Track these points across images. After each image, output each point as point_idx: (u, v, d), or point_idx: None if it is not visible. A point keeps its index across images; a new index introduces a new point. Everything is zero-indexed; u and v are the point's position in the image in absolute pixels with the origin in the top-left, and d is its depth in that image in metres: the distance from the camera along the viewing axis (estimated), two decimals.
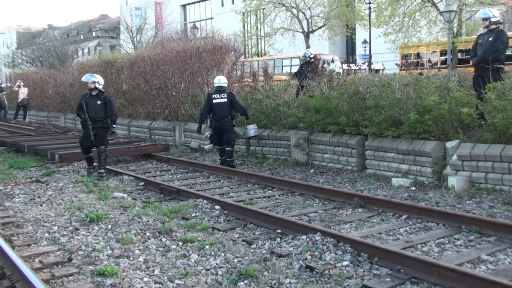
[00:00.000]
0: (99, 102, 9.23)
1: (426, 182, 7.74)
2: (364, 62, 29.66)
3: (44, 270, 4.68)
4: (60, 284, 4.40)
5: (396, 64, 24.42)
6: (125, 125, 16.27)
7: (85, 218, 6.39)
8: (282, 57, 29.91)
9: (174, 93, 14.45)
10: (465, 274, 4.02)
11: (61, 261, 4.88)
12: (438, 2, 23.23)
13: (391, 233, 5.61)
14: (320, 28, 31.00)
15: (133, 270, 4.67)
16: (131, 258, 5.02)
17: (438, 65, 23.13)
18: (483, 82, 7.93)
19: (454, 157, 7.48)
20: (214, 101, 10.00)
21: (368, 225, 5.98)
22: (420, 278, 4.22)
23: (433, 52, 25.75)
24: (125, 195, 7.82)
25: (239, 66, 15.45)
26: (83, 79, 9.60)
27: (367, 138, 8.88)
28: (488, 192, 6.94)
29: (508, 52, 19.64)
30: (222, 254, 5.04)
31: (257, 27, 36.69)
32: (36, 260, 4.93)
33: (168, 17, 48.41)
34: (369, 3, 29.57)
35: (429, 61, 25.33)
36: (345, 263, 4.61)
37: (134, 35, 42.28)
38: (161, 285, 4.36)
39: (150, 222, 6.22)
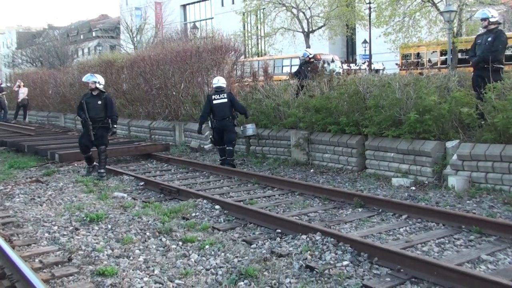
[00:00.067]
0: (99, 102, 9.22)
1: (426, 182, 7.74)
2: (364, 62, 29.67)
3: (44, 270, 4.68)
4: (60, 284, 4.40)
5: (396, 64, 24.42)
6: (125, 125, 16.27)
7: (85, 218, 6.39)
8: (282, 57, 29.90)
9: (174, 93, 14.45)
10: (465, 274, 4.02)
11: (61, 261, 4.88)
12: (438, 2, 23.23)
13: (391, 233, 5.61)
14: (320, 28, 31.01)
15: (133, 270, 4.67)
16: (131, 258, 5.02)
17: (438, 65, 23.13)
18: (483, 82, 7.94)
19: (454, 157, 7.48)
20: (215, 101, 10.01)
21: (368, 225, 5.98)
22: (420, 278, 4.22)
23: (433, 52, 25.75)
24: (125, 195, 7.82)
25: (239, 66, 15.46)
26: (84, 79, 9.60)
27: (367, 138, 8.88)
28: (488, 192, 6.94)
29: (508, 52, 19.70)
30: (222, 254, 5.04)
31: (257, 27, 36.70)
32: (36, 260, 4.93)
33: (168, 17, 48.42)
34: (369, 3, 29.57)
35: (429, 61, 25.32)
36: (345, 263, 4.61)
37: (134, 35, 42.30)
38: (161, 285, 4.36)
39: (150, 222, 6.22)
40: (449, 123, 7.99)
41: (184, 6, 59.21)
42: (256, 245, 5.28)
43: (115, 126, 9.50)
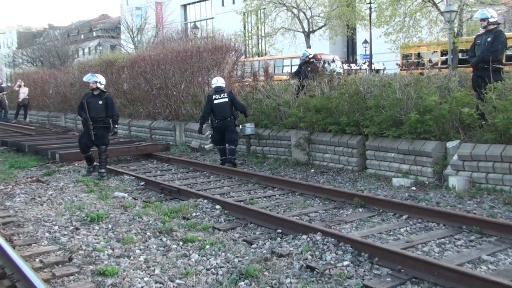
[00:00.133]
0: (100, 102, 9.21)
1: (427, 182, 7.74)
2: (365, 62, 29.69)
3: (45, 270, 4.68)
4: (61, 284, 4.40)
5: (397, 64, 24.43)
6: (125, 125, 16.27)
7: (85, 217, 6.40)
8: (282, 57, 29.90)
9: (174, 92, 14.45)
10: (465, 274, 4.02)
11: (62, 261, 4.88)
12: (438, 2, 23.23)
13: (391, 233, 5.61)
14: (320, 28, 31.02)
15: (133, 270, 4.67)
16: (132, 257, 5.02)
17: (439, 65, 23.11)
18: (483, 83, 7.94)
19: (455, 157, 7.48)
20: (215, 101, 10.02)
21: (368, 225, 5.98)
22: (421, 278, 4.22)
23: (434, 52, 25.74)
24: (126, 195, 7.82)
25: (240, 66, 15.46)
26: (85, 79, 9.59)
27: (368, 138, 8.88)
28: (489, 192, 6.94)
29: (508, 52, 19.69)
30: (223, 253, 5.04)
31: (257, 27, 36.69)
32: (37, 260, 4.93)
33: (169, 17, 48.46)
34: (370, 3, 29.58)
35: (430, 61, 25.31)
36: (345, 263, 4.61)
37: (134, 35, 42.33)
38: (161, 285, 4.36)
39: (150, 221, 6.22)
40: (449, 123, 7.99)
41: (184, 6, 59.23)
42: (257, 245, 5.28)
43: (116, 126, 9.48)
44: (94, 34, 66.64)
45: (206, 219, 6.34)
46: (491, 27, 8.39)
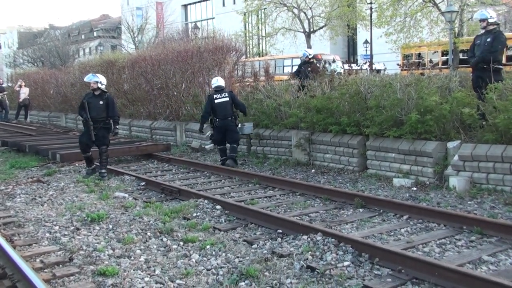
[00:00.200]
0: (101, 102, 9.20)
1: (427, 183, 7.74)
2: (366, 62, 29.69)
3: (45, 270, 4.68)
4: (61, 284, 4.40)
5: (398, 64, 24.42)
6: (126, 125, 16.28)
7: (86, 218, 6.40)
8: (283, 57, 29.89)
9: (175, 93, 14.46)
10: (466, 274, 4.02)
11: (62, 261, 4.88)
12: (439, 2, 23.23)
13: (392, 233, 5.60)
14: (321, 28, 31.01)
15: (134, 270, 4.67)
16: (132, 258, 5.02)
17: (440, 66, 23.10)
18: (484, 83, 7.95)
19: (456, 157, 7.48)
20: (216, 101, 10.04)
21: (369, 225, 5.98)
22: (421, 279, 4.22)
23: (435, 52, 25.74)
24: (126, 195, 7.82)
25: (240, 66, 15.47)
26: (86, 79, 9.58)
27: (368, 138, 8.87)
28: (490, 192, 6.93)
29: (508, 53, 19.68)
30: (223, 254, 5.04)
31: (258, 27, 36.68)
32: (37, 260, 4.93)
33: (169, 17, 48.49)
34: (371, 3, 29.58)
35: (431, 61, 25.30)
36: (346, 263, 4.60)
37: (135, 35, 42.36)
38: (162, 285, 4.36)
39: (151, 222, 6.22)
40: (450, 124, 7.99)
41: (185, 6, 59.26)
42: (257, 245, 5.28)
43: (117, 127, 9.46)
44: (95, 34, 66.67)
45: (207, 219, 6.34)
46: (491, 27, 8.40)
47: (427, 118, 7.76)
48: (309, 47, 27.44)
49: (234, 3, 49.03)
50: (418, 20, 24.22)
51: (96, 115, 9.15)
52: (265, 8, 32.48)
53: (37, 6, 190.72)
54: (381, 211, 6.46)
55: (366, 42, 34.94)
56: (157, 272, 4.64)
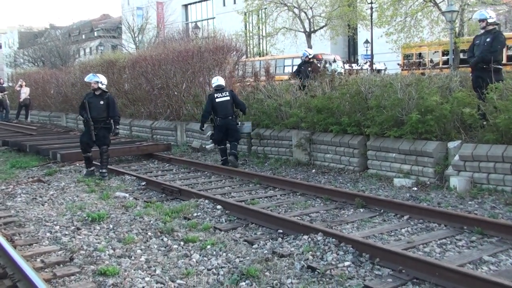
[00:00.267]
0: (102, 102, 9.20)
1: (428, 183, 7.73)
2: (366, 62, 29.67)
3: (46, 270, 4.69)
4: (62, 284, 4.40)
5: (398, 64, 24.39)
6: (127, 125, 16.28)
7: (86, 217, 6.40)
8: (283, 57, 29.88)
9: (176, 93, 14.46)
10: (466, 275, 4.02)
11: (63, 261, 4.88)
12: (440, 2, 23.20)
13: (392, 233, 5.60)
14: (322, 28, 30.99)
15: (134, 270, 4.67)
16: (133, 257, 5.02)
17: (440, 65, 23.09)
18: (484, 83, 7.95)
19: (456, 157, 7.48)
20: (217, 100, 10.06)
21: (369, 225, 5.98)
22: (422, 279, 4.22)
23: (435, 52, 25.72)
24: (127, 195, 7.82)
25: (241, 66, 15.46)
26: (86, 79, 9.57)
27: (369, 138, 8.87)
28: (490, 192, 6.93)
29: (509, 52, 19.67)
30: (224, 254, 5.04)
31: (258, 27, 36.64)
32: (38, 260, 4.93)
33: (170, 17, 48.49)
34: (371, 3, 29.57)
35: (431, 61, 25.28)
36: (346, 263, 4.60)
37: (135, 35, 42.35)
38: (162, 285, 4.36)
39: (151, 221, 6.22)
40: (451, 124, 7.98)
41: (185, 6, 59.25)
42: (258, 245, 5.28)
43: (117, 127, 9.45)
44: (95, 34, 66.68)
45: (207, 219, 6.34)
46: (490, 27, 8.43)
47: (428, 118, 7.76)
48: (310, 47, 27.43)
49: (235, 3, 49.03)
50: (418, 20, 24.19)
51: (97, 115, 9.15)
52: (265, 8, 32.46)
53: (38, 6, 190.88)
54: (382, 211, 6.45)
55: (366, 42, 34.93)
56: (157, 272, 4.64)
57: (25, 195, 7.91)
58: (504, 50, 17.51)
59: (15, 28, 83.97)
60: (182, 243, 5.42)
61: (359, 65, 27.09)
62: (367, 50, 35.87)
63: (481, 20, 8.52)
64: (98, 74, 9.74)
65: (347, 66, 24.44)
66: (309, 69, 12.68)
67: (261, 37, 39.12)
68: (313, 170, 9.45)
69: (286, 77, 17.58)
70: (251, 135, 11.26)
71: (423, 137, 7.96)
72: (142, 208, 6.97)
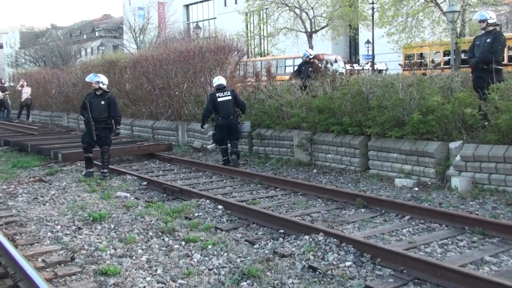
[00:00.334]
0: (103, 102, 9.20)
1: (429, 183, 7.73)
2: (367, 62, 29.68)
3: (47, 269, 4.69)
4: (63, 283, 4.41)
5: (399, 64, 24.39)
6: (128, 125, 16.30)
7: (88, 217, 6.40)
8: (285, 57, 29.90)
9: (177, 93, 14.47)
10: (468, 275, 4.01)
11: (64, 260, 4.89)
12: (441, 3, 23.20)
13: (394, 233, 5.60)
14: (323, 28, 30.99)
15: (135, 270, 4.67)
16: (134, 257, 5.03)
17: (442, 66, 23.09)
18: (485, 83, 7.95)
19: (458, 157, 7.47)
20: (219, 99, 10.10)
21: (371, 225, 5.98)
22: (423, 279, 4.21)
23: (436, 52, 25.71)
24: (128, 195, 7.83)
25: (242, 66, 15.46)
26: (87, 79, 9.58)
27: (370, 139, 8.87)
28: (492, 193, 6.92)
29: (511, 53, 19.64)
30: (225, 254, 5.04)
31: (260, 27, 36.64)
32: (39, 259, 4.94)
33: (171, 17, 48.52)
34: (372, 3, 29.55)
35: (432, 61, 25.28)
36: (348, 263, 4.60)
37: (137, 35, 42.36)
38: (163, 285, 4.36)
39: (153, 221, 6.23)
40: (452, 124, 7.98)
41: (187, 6, 59.28)
42: (259, 245, 5.28)
43: (118, 127, 9.45)
44: (97, 34, 66.73)
45: (209, 219, 6.34)
46: (490, 28, 8.43)
47: (429, 118, 7.75)
48: (311, 47, 27.42)
49: (236, 3, 49.06)
50: (420, 20, 24.19)
51: (98, 115, 9.15)
52: (266, 8, 32.47)
53: (39, 6, 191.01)
54: (383, 211, 6.45)
55: (368, 42, 34.91)
56: (158, 271, 4.64)
57: (26, 195, 7.92)
58: (506, 50, 17.57)
59: (16, 28, 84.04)
60: (183, 243, 5.42)
61: (360, 65, 27.10)
62: (368, 50, 35.86)
63: (481, 21, 8.53)
64: (99, 74, 9.75)
65: (348, 66, 24.46)
66: (310, 69, 12.69)
67: (262, 37, 39.12)
68: (314, 170, 9.45)
69: (287, 77, 17.58)
70: (252, 135, 11.27)
71: (425, 137, 7.95)
72: (143, 208, 6.98)
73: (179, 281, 4.41)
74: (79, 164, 10.52)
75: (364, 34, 35.62)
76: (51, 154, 11.18)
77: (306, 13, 30.21)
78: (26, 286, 4.18)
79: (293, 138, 10.30)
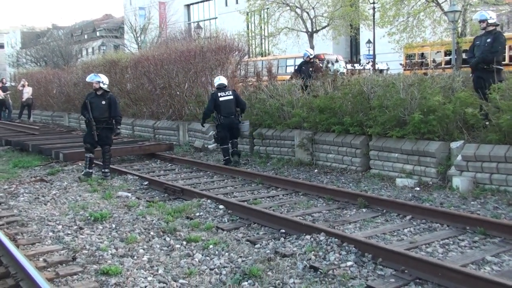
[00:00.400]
0: (104, 102, 9.20)
1: (431, 183, 7.72)
2: (368, 62, 29.65)
3: (49, 269, 4.70)
4: (64, 283, 4.41)
5: (401, 64, 24.38)
6: (129, 125, 16.30)
7: (89, 217, 6.41)
8: (286, 57, 29.89)
9: (178, 92, 14.47)
10: (469, 275, 4.01)
11: (65, 260, 4.89)
12: (442, 2, 23.16)
13: (395, 233, 5.60)
14: (324, 28, 30.97)
15: (137, 269, 4.68)
16: (135, 257, 5.03)
17: (443, 65, 23.07)
18: (486, 83, 7.95)
19: (459, 157, 7.46)
20: (221, 99, 10.14)
21: (372, 225, 5.98)
22: (425, 279, 4.21)
23: (438, 52, 25.68)
24: (129, 194, 7.83)
25: (243, 66, 15.46)
26: (88, 79, 9.58)
27: (371, 138, 8.86)
28: (493, 193, 6.92)
29: (511, 53, 19.61)
30: (226, 253, 5.04)
31: (261, 27, 36.63)
32: (41, 259, 4.94)
33: (172, 16, 48.51)
34: (373, 3, 29.52)
35: (434, 61, 25.26)
36: (349, 263, 4.60)
37: (138, 35, 42.38)
38: (165, 285, 4.36)
39: (154, 221, 6.23)
40: (453, 124, 7.97)
41: (188, 6, 59.27)
42: (260, 245, 5.28)
43: (119, 127, 9.44)
44: (98, 34, 66.73)
45: (210, 219, 6.35)
46: (490, 28, 8.43)
47: (430, 118, 7.75)
48: (312, 47, 27.40)
49: (237, 3, 49.03)
50: (421, 20, 24.16)
51: (99, 115, 9.15)
52: (267, 8, 32.45)
53: (40, 6, 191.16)
54: (384, 211, 6.45)
55: (369, 42, 34.87)
56: (160, 271, 4.64)
57: (27, 195, 7.92)
58: (507, 50, 17.54)
59: (17, 28, 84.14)
60: (184, 242, 5.43)
61: (361, 65, 27.08)
62: (369, 50, 35.81)
63: (481, 21, 8.53)
64: (99, 74, 9.75)
65: (349, 66, 24.45)
66: (311, 69, 12.69)
67: (263, 37, 39.12)
68: (316, 170, 9.45)
69: (288, 77, 17.58)
70: (253, 135, 11.28)
71: (426, 137, 7.95)
72: (144, 207, 6.98)
73: (181, 280, 4.42)
74: (80, 164, 10.51)
75: (365, 34, 35.59)
76: (52, 154, 11.19)
77: (307, 13, 30.19)
78: (27, 286, 4.18)
79: (294, 138, 10.30)
